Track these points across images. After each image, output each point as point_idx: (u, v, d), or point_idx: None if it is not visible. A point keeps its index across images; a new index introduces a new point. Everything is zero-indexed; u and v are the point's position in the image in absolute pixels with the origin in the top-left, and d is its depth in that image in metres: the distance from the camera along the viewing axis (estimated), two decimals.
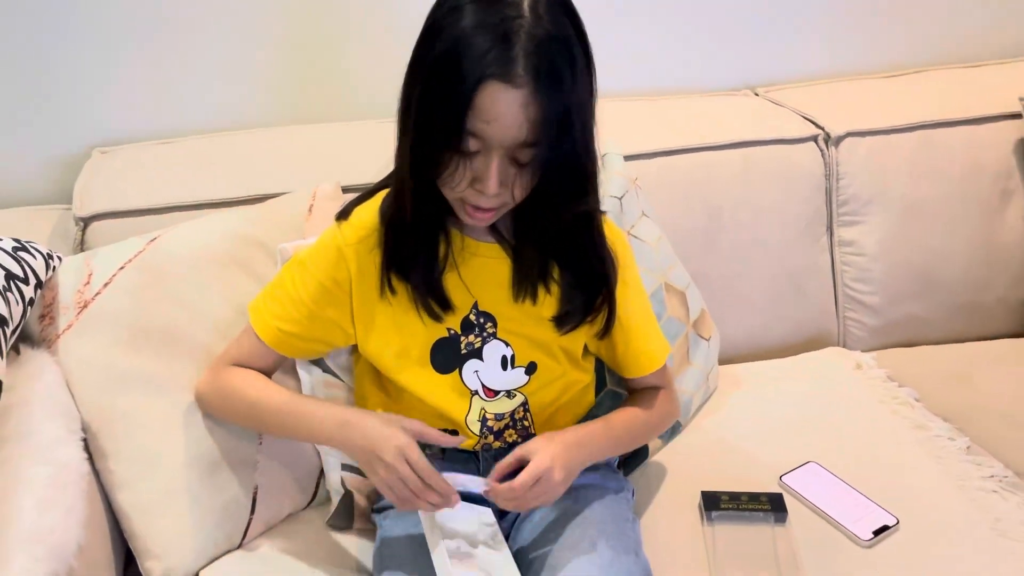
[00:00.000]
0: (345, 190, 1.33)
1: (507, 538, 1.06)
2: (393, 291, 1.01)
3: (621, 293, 1.05)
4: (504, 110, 0.83)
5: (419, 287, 0.99)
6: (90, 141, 1.49)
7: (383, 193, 1.03)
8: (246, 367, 1.07)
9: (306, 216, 1.27)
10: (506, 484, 0.94)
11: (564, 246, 1.00)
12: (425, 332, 1.03)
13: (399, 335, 1.03)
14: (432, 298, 0.99)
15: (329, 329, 1.05)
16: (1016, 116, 1.57)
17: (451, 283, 1.01)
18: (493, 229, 1.01)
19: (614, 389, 1.21)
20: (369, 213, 1.02)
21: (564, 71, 0.84)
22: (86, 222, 1.29)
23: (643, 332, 1.11)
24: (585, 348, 1.10)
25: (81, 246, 1.28)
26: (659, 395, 1.13)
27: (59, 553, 0.86)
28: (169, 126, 1.51)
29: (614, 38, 1.65)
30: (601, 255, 1.02)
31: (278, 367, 1.10)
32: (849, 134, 1.55)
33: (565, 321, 1.03)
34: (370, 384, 1.11)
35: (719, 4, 1.69)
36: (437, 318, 1.01)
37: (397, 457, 0.91)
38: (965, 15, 1.80)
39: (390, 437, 0.93)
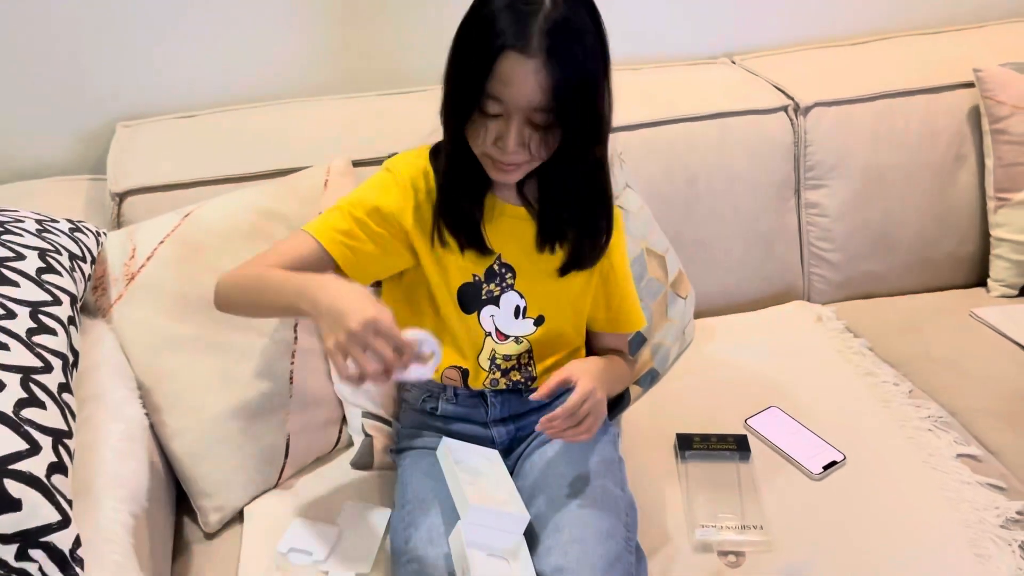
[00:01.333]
0: (356, 164, 1.45)
1: (510, 474, 1.22)
2: (443, 239, 1.15)
3: (619, 258, 1.22)
4: (520, 76, 0.98)
5: (464, 236, 1.14)
6: (114, 115, 1.59)
7: (425, 148, 1.17)
8: (277, 261, 1.09)
9: (322, 190, 1.39)
10: (561, 406, 1.06)
11: (580, 210, 1.15)
12: (457, 274, 1.18)
13: (436, 272, 1.17)
14: (474, 245, 1.15)
15: (379, 249, 1.14)
16: (969, 85, 1.70)
17: (484, 234, 1.16)
18: (520, 193, 1.16)
19: None
20: (414, 159, 1.17)
21: (575, 48, 1.00)
22: (121, 197, 1.41)
23: (631, 298, 1.28)
24: None
25: (118, 219, 1.40)
26: (624, 362, 1.30)
27: (135, 495, 1.01)
28: (190, 101, 1.61)
29: (604, 10, 1.75)
30: (608, 212, 1.18)
31: (319, 268, 1.10)
32: (816, 104, 1.67)
33: (568, 268, 1.19)
34: (404, 306, 1.21)
35: None
36: (484, 253, 1.16)
37: (363, 325, 0.90)
38: None
39: (363, 304, 0.92)
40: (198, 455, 1.21)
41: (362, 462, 1.32)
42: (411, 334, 0.95)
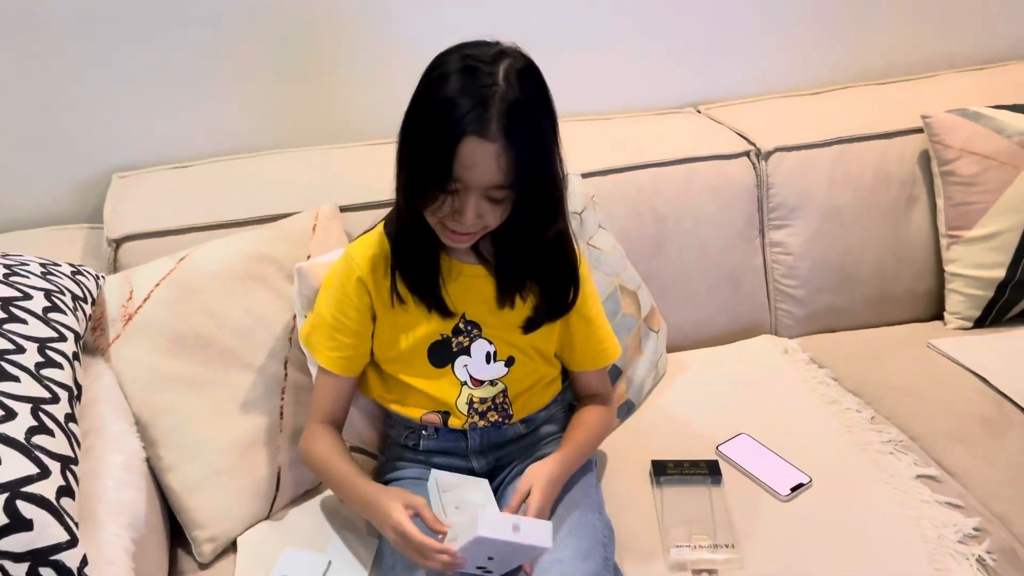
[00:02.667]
0: (343, 209, 1.53)
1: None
2: (403, 300, 1.22)
3: (580, 301, 1.27)
4: (481, 160, 1.03)
5: (426, 296, 1.21)
6: (110, 165, 1.67)
7: (379, 227, 1.24)
8: (330, 414, 1.27)
9: (311, 234, 1.47)
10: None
11: (538, 263, 1.21)
12: (424, 335, 1.24)
13: (405, 338, 1.24)
14: (436, 308, 1.21)
15: (365, 333, 1.25)
16: (919, 131, 1.81)
17: (444, 296, 1.22)
18: (476, 252, 1.22)
19: None
20: (372, 240, 1.23)
21: (530, 127, 1.06)
22: (118, 243, 1.47)
23: (599, 334, 1.33)
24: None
25: (114, 264, 1.46)
26: (602, 411, 1.34)
27: (135, 523, 1.06)
28: (183, 152, 1.69)
29: (570, 64, 1.85)
30: (571, 268, 1.24)
31: (352, 395, 1.30)
32: (777, 149, 1.78)
33: (532, 326, 1.25)
34: (373, 374, 1.30)
35: (664, 30, 1.90)
36: (446, 316, 1.22)
37: (394, 533, 1.10)
38: (876, 37, 2.03)
39: (388, 516, 1.10)
40: (192, 487, 1.26)
41: None
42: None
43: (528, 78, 1.07)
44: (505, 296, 1.23)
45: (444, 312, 1.22)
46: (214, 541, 1.26)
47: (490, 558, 1.06)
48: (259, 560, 1.23)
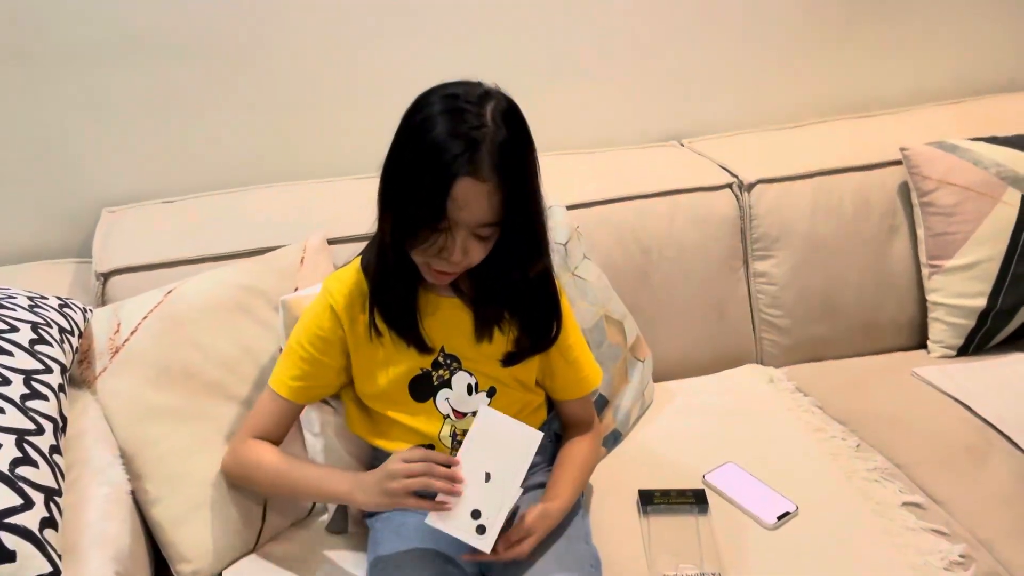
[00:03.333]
0: (331, 242, 1.54)
1: None
2: (380, 334, 1.23)
3: (562, 333, 1.28)
4: (474, 200, 1.05)
5: (404, 332, 1.22)
6: (99, 200, 1.68)
7: (356, 259, 1.25)
8: (265, 432, 1.25)
9: (298, 267, 1.48)
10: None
11: (517, 297, 1.22)
12: (405, 371, 1.24)
13: (384, 374, 1.25)
14: (414, 344, 1.22)
15: (332, 374, 1.26)
16: (898, 163, 1.84)
17: (423, 330, 1.23)
18: (454, 286, 1.23)
19: None
20: (348, 275, 1.25)
21: (519, 165, 1.08)
22: (106, 277, 1.48)
23: (578, 363, 1.33)
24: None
25: (103, 297, 1.47)
26: (589, 442, 1.34)
27: (119, 556, 1.06)
28: (171, 187, 1.71)
29: (555, 98, 1.89)
30: (553, 303, 1.25)
31: (294, 420, 1.30)
32: (759, 181, 1.80)
33: (512, 360, 1.26)
34: (356, 410, 1.31)
35: (647, 65, 1.94)
36: (424, 351, 1.23)
37: (396, 462, 1.10)
38: (855, 71, 2.08)
39: (385, 465, 1.11)
40: (177, 521, 1.25)
41: (337, 526, 1.36)
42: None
43: (513, 118, 1.09)
44: (483, 329, 1.24)
45: (422, 348, 1.23)
46: (199, 575, 1.25)
47: (488, 475, 1.08)
48: None
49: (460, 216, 1.06)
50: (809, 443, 1.53)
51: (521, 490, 1.11)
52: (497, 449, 1.10)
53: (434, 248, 1.10)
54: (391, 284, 1.19)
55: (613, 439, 1.53)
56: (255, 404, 1.29)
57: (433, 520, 1.07)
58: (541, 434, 1.13)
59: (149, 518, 1.25)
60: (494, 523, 1.07)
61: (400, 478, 1.08)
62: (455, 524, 1.07)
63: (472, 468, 1.08)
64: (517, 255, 1.15)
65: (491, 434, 1.10)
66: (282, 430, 1.28)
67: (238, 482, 1.28)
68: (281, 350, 1.38)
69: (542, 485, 1.28)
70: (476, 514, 1.07)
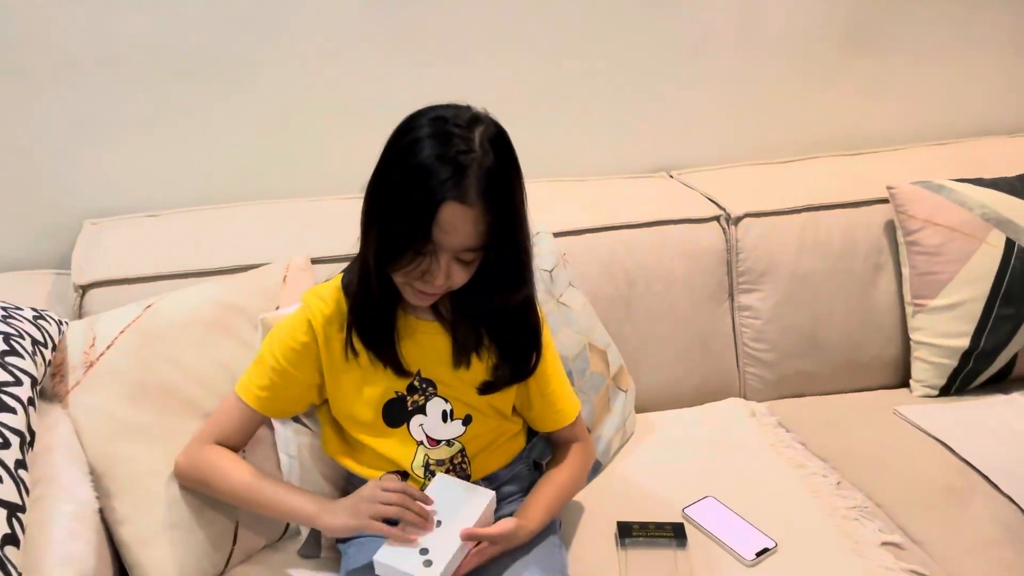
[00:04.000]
0: (314, 261, 1.53)
1: None
2: (356, 353, 1.21)
3: (539, 365, 1.26)
4: (460, 224, 1.04)
5: (381, 354, 1.20)
6: (81, 213, 1.67)
7: (337, 277, 1.24)
8: (225, 438, 1.24)
9: (281, 285, 1.46)
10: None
11: (497, 324, 1.21)
12: (379, 394, 1.23)
13: (358, 396, 1.23)
14: (391, 365, 1.21)
15: (302, 389, 1.25)
16: (884, 201, 1.85)
17: (399, 354, 1.21)
18: (434, 309, 1.22)
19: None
20: (329, 292, 1.23)
21: (505, 191, 1.07)
22: (84, 289, 1.46)
23: (555, 395, 1.31)
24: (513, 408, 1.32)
25: (80, 310, 1.45)
26: (577, 453, 1.33)
27: (84, 575, 1.03)
28: (153, 201, 1.70)
29: (546, 126, 1.90)
30: (534, 333, 1.24)
31: (256, 430, 1.28)
32: (746, 215, 1.81)
33: (489, 389, 1.24)
34: (331, 432, 1.30)
35: (638, 96, 1.95)
36: (400, 374, 1.22)
37: (373, 488, 1.12)
38: (844, 110, 2.10)
39: (361, 490, 1.13)
40: (147, 541, 1.22)
41: (309, 552, 1.33)
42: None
43: (501, 144, 1.08)
44: (461, 355, 1.22)
45: (398, 370, 1.21)
46: None
47: (439, 522, 1.12)
48: None
49: (445, 240, 1.06)
50: (790, 479, 1.52)
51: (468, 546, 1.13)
52: (451, 504, 1.15)
53: (417, 271, 1.09)
54: (371, 304, 1.18)
55: (593, 470, 1.51)
56: (218, 407, 1.27)
57: (384, 555, 1.09)
58: (492, 493, 1.18)
59: (117, 538, 1.22)
60: (441, 561, 1.09)
61: (375, 503, 1.09)
62: (405, 559, 1.09)
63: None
64: (500, 281, 1.14)
65: (446, 492, 1.17)
66: (243, 438, 1.26)
67: (191, 485, 1.25)
68: None
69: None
70: (424, 551, 1.10)
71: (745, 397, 1.82)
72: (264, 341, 1.27)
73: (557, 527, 1.32)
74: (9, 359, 1.08)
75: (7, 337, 1.11)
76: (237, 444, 1.26)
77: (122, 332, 1.31)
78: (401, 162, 1.06)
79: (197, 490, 1.25)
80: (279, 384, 1.23)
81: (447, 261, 1.08)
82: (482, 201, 1.04)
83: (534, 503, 1.26)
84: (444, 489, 1.18)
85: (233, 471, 1.21)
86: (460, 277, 1.11)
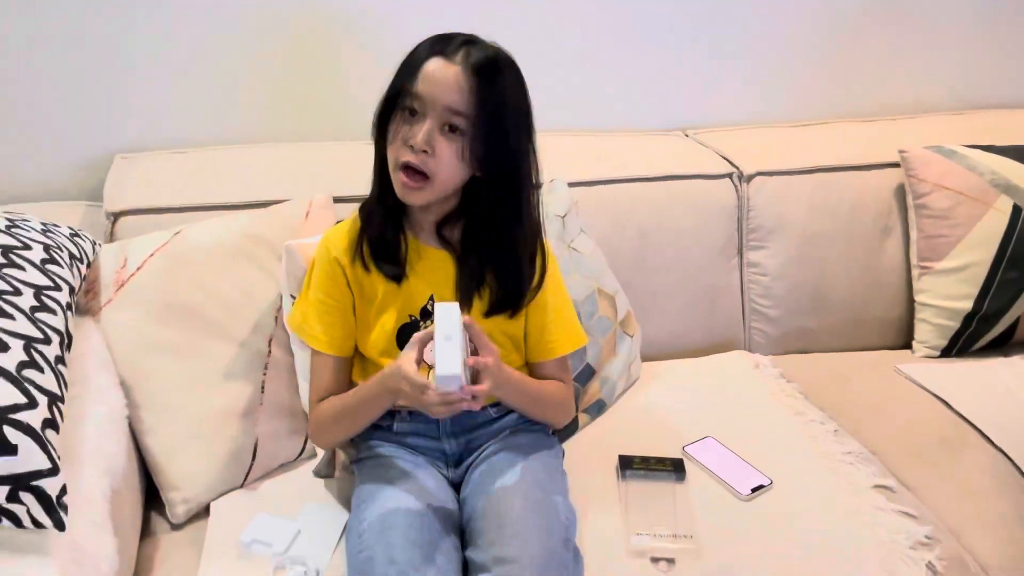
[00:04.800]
0: (336, 200, 1.58)
1: (458, 486, 1.30)
2: (368, 270, 1.27)
3: (548, 291, 1.32)
4: (441, 76, 1.14)
5: (387, 263, 1.26)
6: (113, 147, 1.72)
7: (355, 213, 1.30)
8: (328, 391, 1.30)
9: (303, 220, 1.52)
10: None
11: (502, 252, 1.26)
12: (394, 318, 1.28)
13: (375, 320, 1.29)
14: (394, 278, 1.26)
15: (350, 315, 1.30)
16: (895, 165, 1.88)
17: (412, 279, 1.27)
18: (441, 238, 1.28)
19: None
20: (345, 227, 1.30)
21: (494, 76, 1.15)
22: (116, 216, 1.52)
23: (551, 327, 1.34)
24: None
25: (111, 237, 1.51)
26: (560, 387, 1.37)
27: (113, 471, 1.10)
28: (183, 137, 1.75)
29: (562, 80, 1.93)
30: (535, 258, 1.29)
31: (347, 365, 1.33)
32: (759, 173, 1.84)
33: (493, 311, 1.29)
34: (357, 360, 1.34)
35: (659, 54, 1.98)
36: (397, 279, 1.27)
37: (399, 387, 1.14)
38: (861, 77, 2.12)
39: (392, 385, 1.16)
40: (171, 450, 1.29)
41: (324, 471, 1.40)
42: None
43: (505, 58, 1.18)
44: (464, 285, 1.27)
45: (398, 276, 1.26)
46: (187, 503, 1.29)
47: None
48: (230, 525, 1.26)
49: (427, 93, 1.14)
50: (789, 425, 1.56)
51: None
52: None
53: (403, 136, 1.16)
54: (378, 215, 1.24)
55: (597, 408, 1.57)
56: (311, 369, 1.33)
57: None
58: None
59: (143, 446, 1.29)
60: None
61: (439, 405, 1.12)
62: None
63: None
64: (500, 203, 1.21)
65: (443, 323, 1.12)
66: (343, 384, 1.32)
67: (329, 442, 1.34)
68: (282, 297, 1.42)
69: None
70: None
71: (750, 351, 1.86)
72: (306, 290, 1.32)
73: (561, 453, 1.37)
74: (50, 267, 1.15)
75: (47, 247, 1.18)
76: (340, 389, 1.31)
77: (151, 255, 1.37)
78: (403, 61, 1.19)
79: (336, 442, 1.34)
80: (333, 321, 1.29)
81: (432, 122, 1.15)
82: (466, 64, 1.14)
83: (513, 371, 1.28)
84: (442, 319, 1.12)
85: (328, 410, 1.29)
86: (444, 149, 1.16)
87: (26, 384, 0.94)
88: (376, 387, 1.21)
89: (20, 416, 0.90)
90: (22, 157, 1.70)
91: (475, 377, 1.15)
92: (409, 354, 1.14)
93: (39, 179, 1.72)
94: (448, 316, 1.09)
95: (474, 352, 1.16)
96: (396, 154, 1.19)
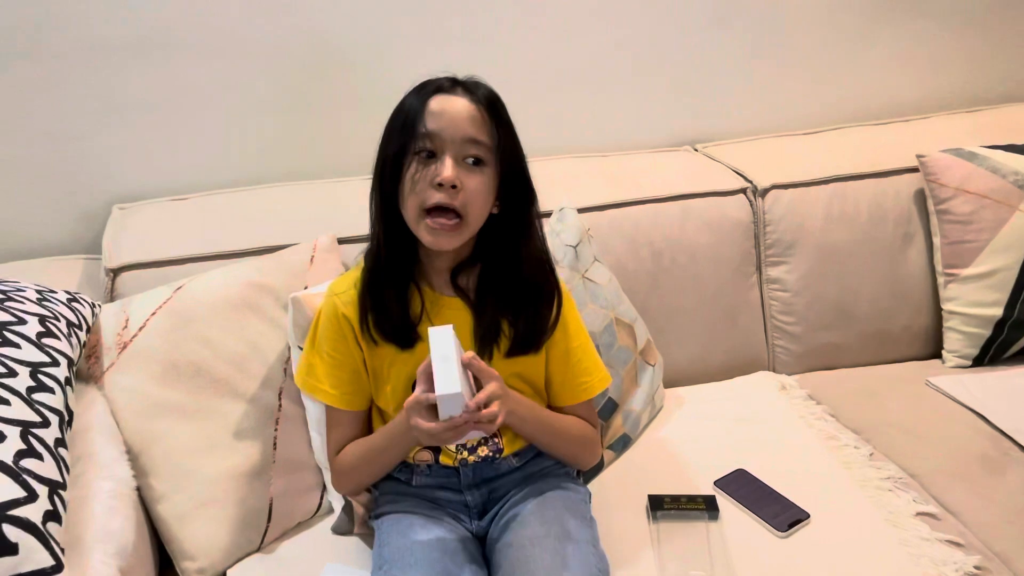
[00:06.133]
0: (341, 241, 1.53)
1: (484, 537, 1.25)
2: (375, 341, 1.22)
3: (566, 334, 1.27)
4: (452, 110, 1.11)
5: (388, 325, 1.20)
6: (110, 198, 1.68)
7: (360, 263, 1.25)
8: (345, 443, 1.27)
9: (308, 265, 1.47)
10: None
11: (518, 294, 1.21)
12: (407, 372, 1.23)
13: (390, 373, 1.24)
14: (400, 336, 1.20)
15: (362, 370, 1.25)
16: (914, 170, 1.82)
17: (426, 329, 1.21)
18: (456, 287, 1.23)
19: None
20: (350, 281, 1.25)
21: (499, 106, 1.14)
22: (115, 272, 1.47)
23: (582, 366, 1.30)
24: None
25: (111, 293, 1.46)
26: (587, 426, 1.32)
27: (123, 551, 1.04)
28: (181, 184, 1.71)
29: (566, 100, 1.88)
30: (553, 296, 1.24)
31: (364, 417, 1.29)
32: (773, 187, 1.79)
33: (514, 352, 1.24)
34: (374, 412, 1.30)
35: (661, 68, 1.93)
36: (410, 345, 1.21)
37: (419, 427, 1.08)
38: (870, 79, 2.06)
39: (408, 428, 1.10)
40: (182, 518, 1.24)
41: (342, 527, 1.35)
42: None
43: (492, 93, 1.16)
44: (485, 330, 1.22)
45: (413, 341, 1.20)
46: (203, 573, 1.24)
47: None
48: None
49: (440, 127, 1.10)
50: (821, 451, 1.51)
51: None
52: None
53: (426, 177, 1.12)
54: (384, 262, 1.20)
55: (622, 444, 1.51)
56: (327, 422, 1.29)
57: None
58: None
59: (154, 515, 1.25)
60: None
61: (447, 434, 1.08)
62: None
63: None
64: (516, 241, 1.18)
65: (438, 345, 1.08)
66: (360, 434, 1.28)
67: (356, 487, 1.31)
68: (289, 347, 1.37)
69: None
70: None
71: (774, 370, 1.81)
72: (311, 344, 1.27)
73: (588, 500, 1.32)
74: (46, 340, 1.10)
75: (43, 319, 1.13)
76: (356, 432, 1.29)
77: (153, 314, 1.33)
78: (392, 116, 1.16)
79: (361, 488, 1.32)
80: (343, 377, 1.24)
81: (452, 155, 1.11)
82: (471, 95, 1.12)
83: (523, 397, 1.24)
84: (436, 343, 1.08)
85: (352, 454, 1.26)
86: (471, 182, 1.12)
87: (24, 476, 0.89)
88: (403, 424, 1.15)
89: (19, 512, 0.86)
90: (18, 211, 1.66)
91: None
92: (417, 389, 1.09)
93: (35, 233, 1.68)
94: (441, 338, 1.06)
95: (478, 385, 1.12)
96: (420, 199, 1.13)
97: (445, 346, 1.05)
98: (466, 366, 1.09)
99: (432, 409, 1.06)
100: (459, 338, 1.18)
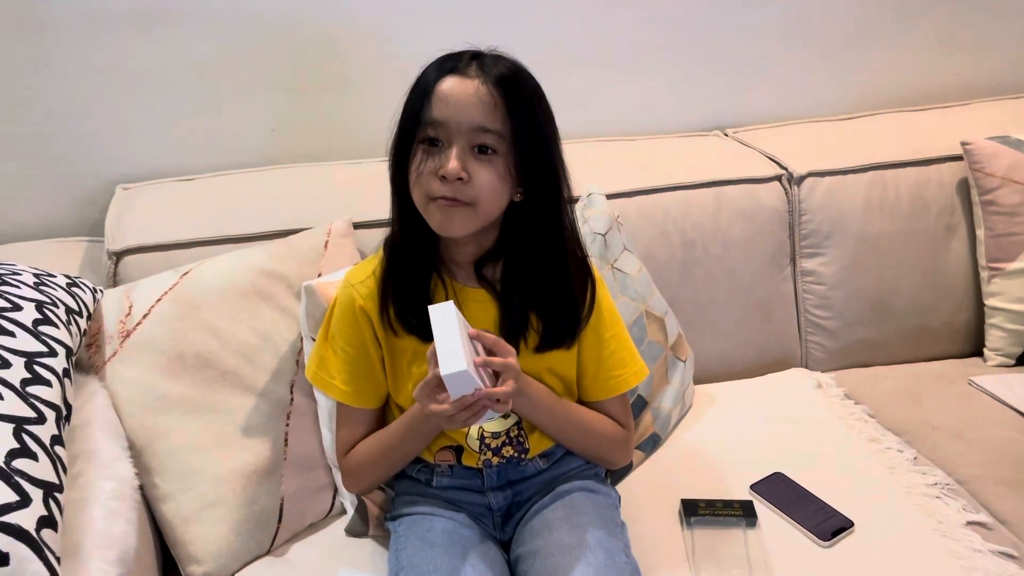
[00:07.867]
0: (357, 226, 1.45)
1: (508, 543, 1.18)
2: (395, 333, 1.14)
3: (602, 325, 1.19)
4: (460, 95, 1.02)
5: (411, 315, 1.12)
6: (113, 178, 1.60)
7: (379, 251, 1.17)
8: (354, 441, 1.20)
9: (322, 251, 1.39)
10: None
11: (546, 286, 1.13)
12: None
13: (410, 369, 1.16)
14: (423, 327, 1.09)
15: (378, 367, 1.18)
16: (958, 158, 1.73)
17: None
18: (482, 278, 1.15)
19: None
20: (369, 270, 1.17)
21: (517, 85, 1.05)
22: (119, 256, 1.40)
23: (615, 358, 1.22)
24: None
25: (114, 278, 1.39)
26: (618, 427, 1.24)
27: (124, 558, 0.97)
28: (189, 164, 1.63)
29: (594, 84, 1.80)
30: (584, 286, 1.16)
31: (374, 419, 1.21)
32: (810, 174, 1.70)
33: (544, 347, 1.16)
34: (392, 409, 1.23)
35: (692, 51, 1.84)
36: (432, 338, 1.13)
37: (431, 410, 1.02)
38: (909, 62, 1.97)
39: (425, 416, 1.05)
40: (189, 519, 1.17)
41: (356, 529, 1.27)
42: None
43: (517, 67, 1.07)
44: (512, 322, 1.14)
45: (430, 335, 1.10)
46: None
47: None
48: None
49: (448, 114, 1.02)
50: (863, 454, 1.43)
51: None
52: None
53: (432, 167, 1.04)
54: (407, 263, 1.13)
55: (652, 443, 1.43)
56: (336, 420, 1.22)
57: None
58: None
59: (158, 516, 1.17)
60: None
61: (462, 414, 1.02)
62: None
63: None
64: (544, 228, 1.10)
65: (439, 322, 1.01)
66: (368, 431, 1.21)
67: (368, 486, 1.24)
68: (302, 339, 1.30)
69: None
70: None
71: (807, 367, 1.73)
72: (325, 336, 1.20)
73: (618, 504, 1.24)
74: (43, 328, 1.02)
75: (40, 306, 1.05)
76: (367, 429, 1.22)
77: (158, 301, 1.25)
78: (409, 89, 1.08)
79: (374, 485, 1.25)
80: (357, 373, 1.17)
81: (460, 145, 1.03)
82: (482, 76, 1.03)
83: (540, 385, 1.17)
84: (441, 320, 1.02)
85: (364, 452, 1.19)
86: (481, 173, 1.04)
87: (17, 478, 0.81)
88: (420, 412, 1.08)
89: (11, 518, 0.78)
90: (17, 191, 1.59)
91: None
92: (428, 375, 1.02)
93: (36, 214, 1.60)
94: (443, 316, 0.99)
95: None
96: (424, 190, 1.06)
97: (447, 323, 0.98)
98: (474, 340, 1.02)
99: (443, 390, 0.99)
100: (491, 329, 1.11)
